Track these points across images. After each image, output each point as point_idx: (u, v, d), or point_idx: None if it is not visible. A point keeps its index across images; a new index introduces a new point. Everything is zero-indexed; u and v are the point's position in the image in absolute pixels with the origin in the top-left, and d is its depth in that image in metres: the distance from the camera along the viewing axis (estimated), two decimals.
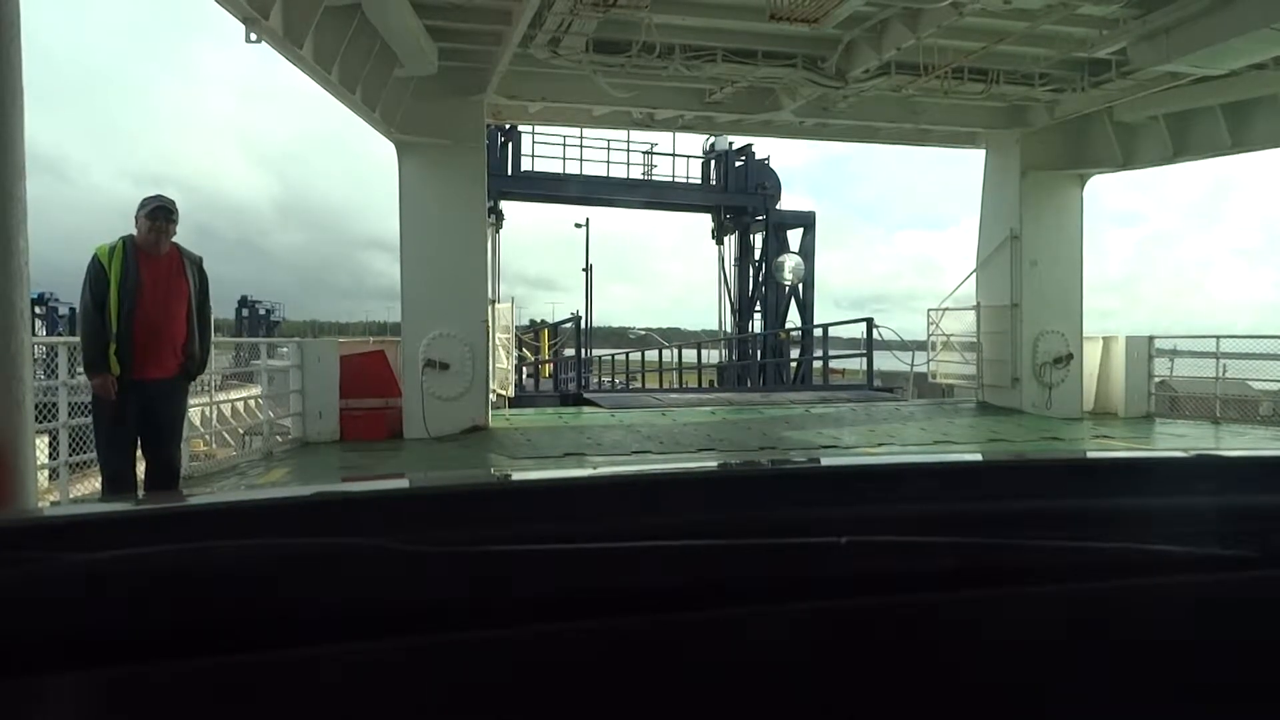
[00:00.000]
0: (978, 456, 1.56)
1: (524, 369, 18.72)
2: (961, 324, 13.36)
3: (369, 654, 0.60)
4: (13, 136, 2.40)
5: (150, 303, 4.83)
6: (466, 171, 10.34)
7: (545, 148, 21.66)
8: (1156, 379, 12.64)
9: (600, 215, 28.95)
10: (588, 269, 24.13)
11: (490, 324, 10.80)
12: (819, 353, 19.08)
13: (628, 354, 24.91)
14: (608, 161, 22.31)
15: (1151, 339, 12.56)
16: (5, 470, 2.45)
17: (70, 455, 6.60)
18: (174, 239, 4.98)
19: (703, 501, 0.76)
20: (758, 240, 23.35)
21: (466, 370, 10.08)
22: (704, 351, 23.33)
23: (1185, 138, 11.23)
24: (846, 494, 0.83)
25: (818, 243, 23.00)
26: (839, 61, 9.82)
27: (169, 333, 4.89)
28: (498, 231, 20.37)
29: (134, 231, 4.89)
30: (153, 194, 4.92)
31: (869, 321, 15.93)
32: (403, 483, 1.10)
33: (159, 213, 4.85)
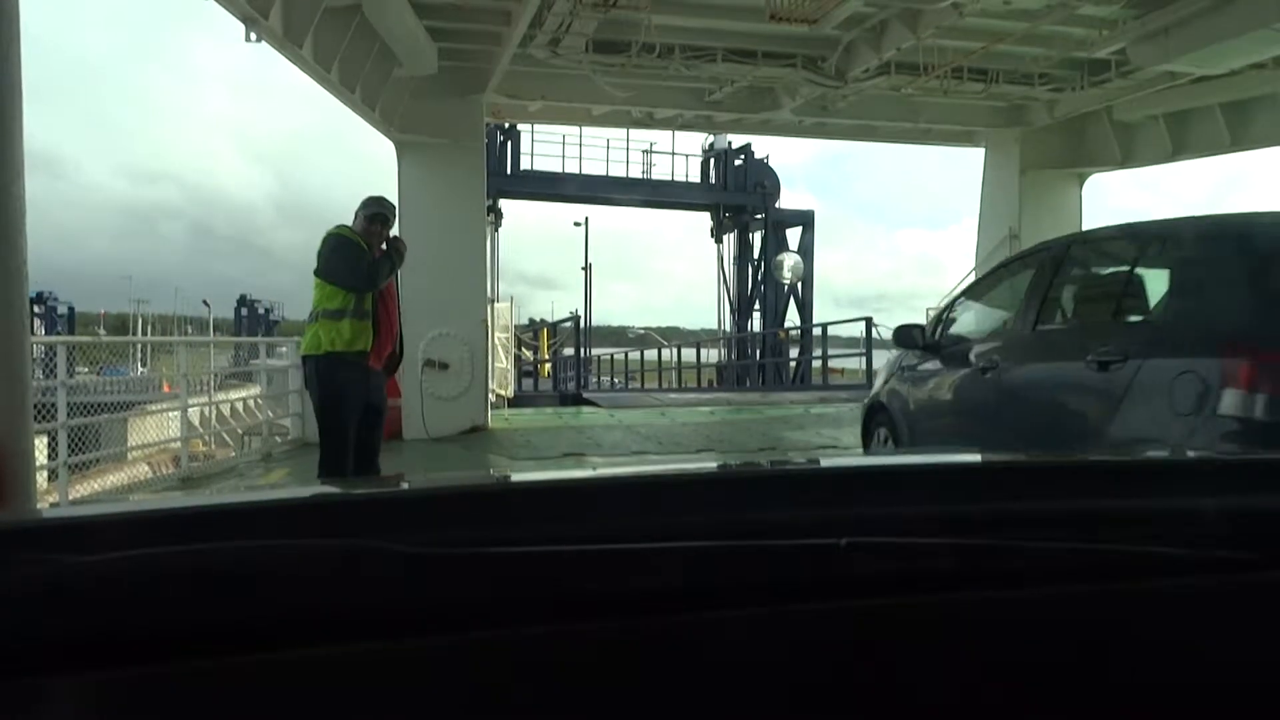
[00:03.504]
0: (978, 457, 1.56)
1: (522, 369, 18.71)
2: None
3: (369, 655, 0.60)
4: (11, 135, 2.40)
5: (385, 295, 4.96)
6: (466, 171, 10.34)
7: (544, 146, 21.75)
8: None
9: (599, 214, 28.99)
10: (587, 268, 24.19)
11: (489, 323, 10.80)
12: (818, 352, 19.08)
13: (627, 353, 24.93)
14: (607, 160, 22.37)
15: None
16: (5, 470, 2.45)
17: (70, 456, 6.61)
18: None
19: (702, 502, 0.76)
20: (757, 239, 23.39)
21: (465, 370, 10.07)
22: (703, 351, 23.32)
23: (1184, 137, 11.23)
24: (846, 495, 0.83)
25: (817, 241, 23.07)
26: (838, 61, 9.82)
27: (388, 328, 4.97)
28: (497, 230, 20.40)
29: (347, 224, 4.97)
30: (374, 196, 5.06)
31: (868, 321, 15.93)
32: (402, 483, 1.10)
33: (378, 218, 4.96)
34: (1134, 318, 3.93)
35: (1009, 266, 5.21)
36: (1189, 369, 3.35)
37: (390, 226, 5.04)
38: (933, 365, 5.13)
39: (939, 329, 5.23)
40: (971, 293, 5.45)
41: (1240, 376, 3.18)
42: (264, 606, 0.61)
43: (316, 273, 4.85)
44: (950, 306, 5.56)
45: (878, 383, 5.99)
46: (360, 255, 4.81)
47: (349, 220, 4.97)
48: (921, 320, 6.42)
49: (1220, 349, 3.31)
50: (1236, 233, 3.78)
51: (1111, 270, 4.42)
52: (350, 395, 4.76)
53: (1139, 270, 4.02)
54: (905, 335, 5.33)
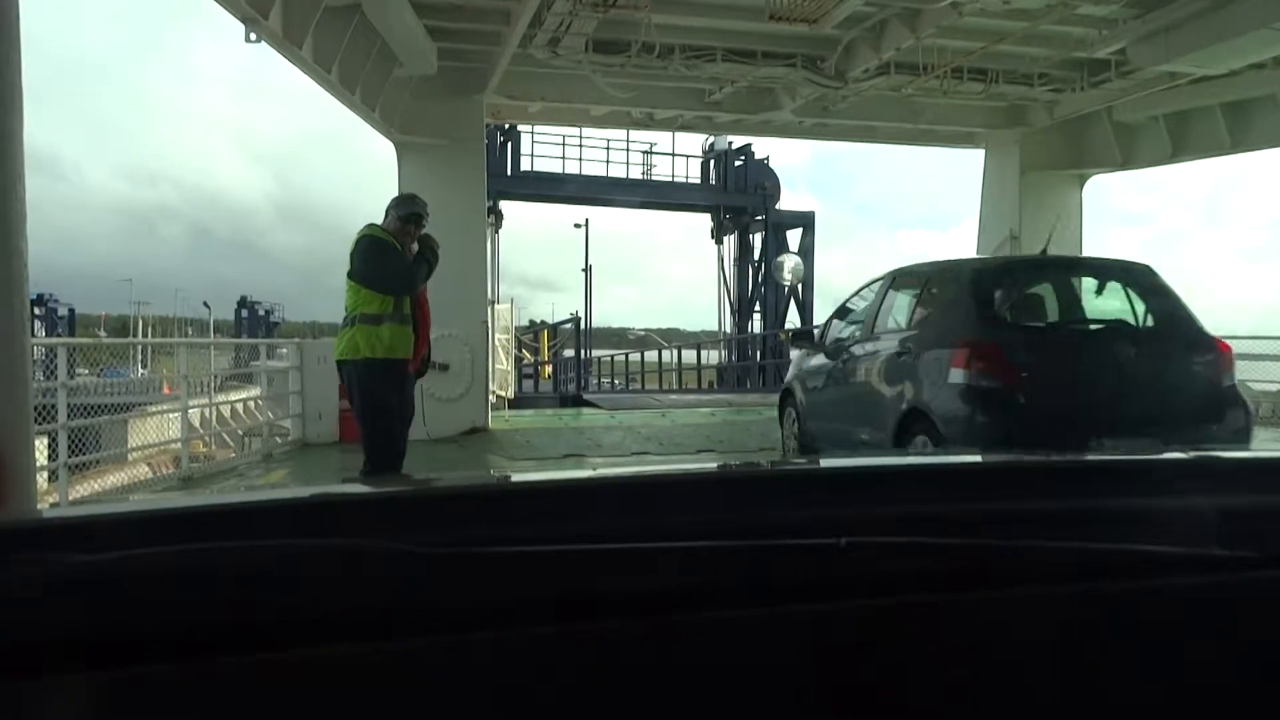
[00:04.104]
0: (978, 457, 1.56)
1: (522, 370, 18.71)
2: None
3: (369, 655, 0.60)
4: (12, 136, 2.40)
5: (418, 295, 4.92)
6: (466, 172, 10.34)
7: (545, 148, 21.67)
8: None
9: (600, 215, 29.01)
10: (587, 269, 24.18)
11: (490, 325, 10.79)
12: None
13: (627, 355, 24.92)
14: (607, 161, 22.33)
15: None
16: (5, 471, 2.45)
17: (70, 456, 6.60)
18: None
19: (702, 503, 0.76)
20: (757, 240, 23.36)
21: (466, 371, 10.07)
22: (703, 352, 23.32)
23: (1184, 138, 11.23)
24: (846, 495, 0.83)
25: (818, 242, 23.04)
26: (838, 61, 9.82)
27: (422, 330, 4.95)
28: (497, 231, 20.37)
29: (376, 223, 4.92)
30: (407, 194, 5.05)
31: None
32: (403, 483, 1.10)
33: (413, 218, 4.90)
34: (916, 322, 5.94)
35: (861, 293, 6.98)
36: (937, 350, 5.36)
37: (424, 226, 4.95)
38: (819, 360, 6.93)
39: (825, 333, 7.14)
40: (844, 309, 7.23)
41: (961, 357, 5.10)
42: (264, 606, 0.61)
43: (350, 275, 4.76)
44: (832, 318, 7.41)
45: (789, 375, 7.77)
46: (396, 258, 4.75)
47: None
48: None
49: (948, 339, 5.34)
50: (960, 271, 5.94)
51: (909, 294, 6.25)
52: (394, 400, 4.76)
53: (920, 293, 6.09)
54: (801, 338, 7.65)
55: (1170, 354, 5.38)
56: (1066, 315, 5.78)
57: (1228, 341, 5.52)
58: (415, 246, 4.92)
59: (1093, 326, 5.73)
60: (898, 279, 6.50)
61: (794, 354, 7.80)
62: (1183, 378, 5.29)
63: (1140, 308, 5.61)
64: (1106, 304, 5.73)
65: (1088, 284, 5.93)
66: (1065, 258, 6.96)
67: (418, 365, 4.98)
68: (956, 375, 5.07)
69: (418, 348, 4.89)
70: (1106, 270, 6.01)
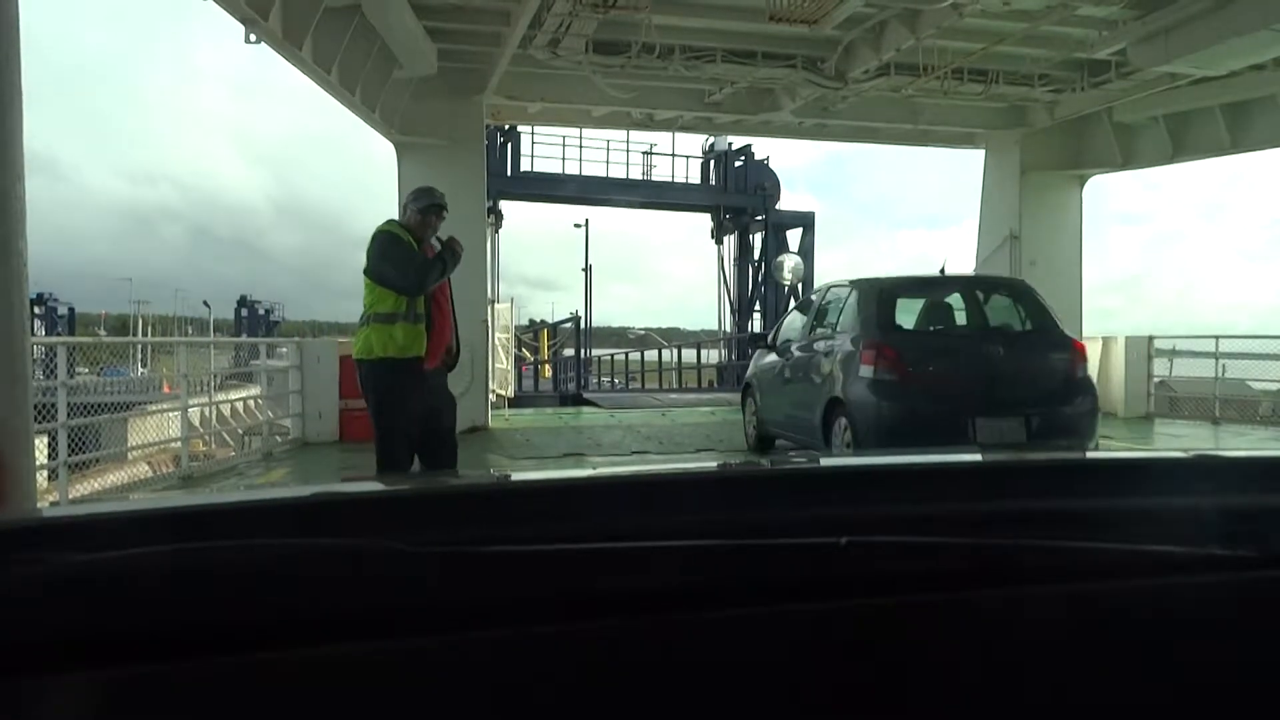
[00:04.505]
0: (978, 457, 1.56)
1: (522, 369, 18.70)
2: None
3: (369, 654, 0.60)
4: (12, 136, 2.40)
5: (438, 290, 4.78)
6: (466, 172, 10.34)
7: (545, 148, 21.68)
8: (1156, 379, 12.64)
9: (600, 215, 28.99)
10: (587, 269, 24.15)
11: (490, 324, 10.79)
12: None
13: (627, 354, 24.90)
14: (607, 161, 22.33)
15: (1151, 339, 12.56)
16: (5, 470, 2.45)
17: (70, 455, 6.60)
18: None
19: (702, 502, 0.76)
20: (757, 240, 23.36)
21: (466, 370, 10.05)
22: (703, 351, 23.33)
23: (1185, 138, 11.24)
24: (846, 494, 0.83)
25: (818, 242, 23.04)
26: (838, 62, 9.82)
27: (442, 325, 4.81)
28: (497, 231, 20.35)
29: (395, 219, 4.80)
30: (424, 186, 4.88)
31: None
32: (403, 483, 1.10)
33: (433, 209, 4.76)
34: (835, 326, 7.27)
35: (804, 302, 8.88)
36: (850, 350, 6.69)
37: (445, 217, 4.83)
38: (772, 358, 8.29)
39: (776, 335, 8.46)
40: (791, 315, 8.71)
41: (866, 354, 6.44)
42: (264, 606, 0.61)
43: (366, 273, 4.69)
44: (780, 322, 8.81)
45: (749, 371, 9.24)
46: (410, 256, 4.65)
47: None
48: None
49: (857, 340, 6.68)
50: (870, 286, 7.14)
51: (835, 305, 7.51)
52: (405, 399, 4.66)
53: (841, 303, 7.34)
54: (757, 340, 9.53)
55: (1035, 351, 6.76)
56: (952, 322, 7.14)
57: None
58: (437, 244, 4.81)
59: (973, 330, 7.08)
60: (828, 292, 7.91)
61: (755, 354, 9.28)
62: (1043, 370, 6.62)
63: (1014, 314, 7.10)
64: (988, 312, 7.20)
65: (973, 297, 7.27)
66: (957, 276, 8.06)
67: (438, 363, 4.84)
68: (865, 371, 6.42)
69: (438, 343, 4.76)
70: (989, 285, 7.66)
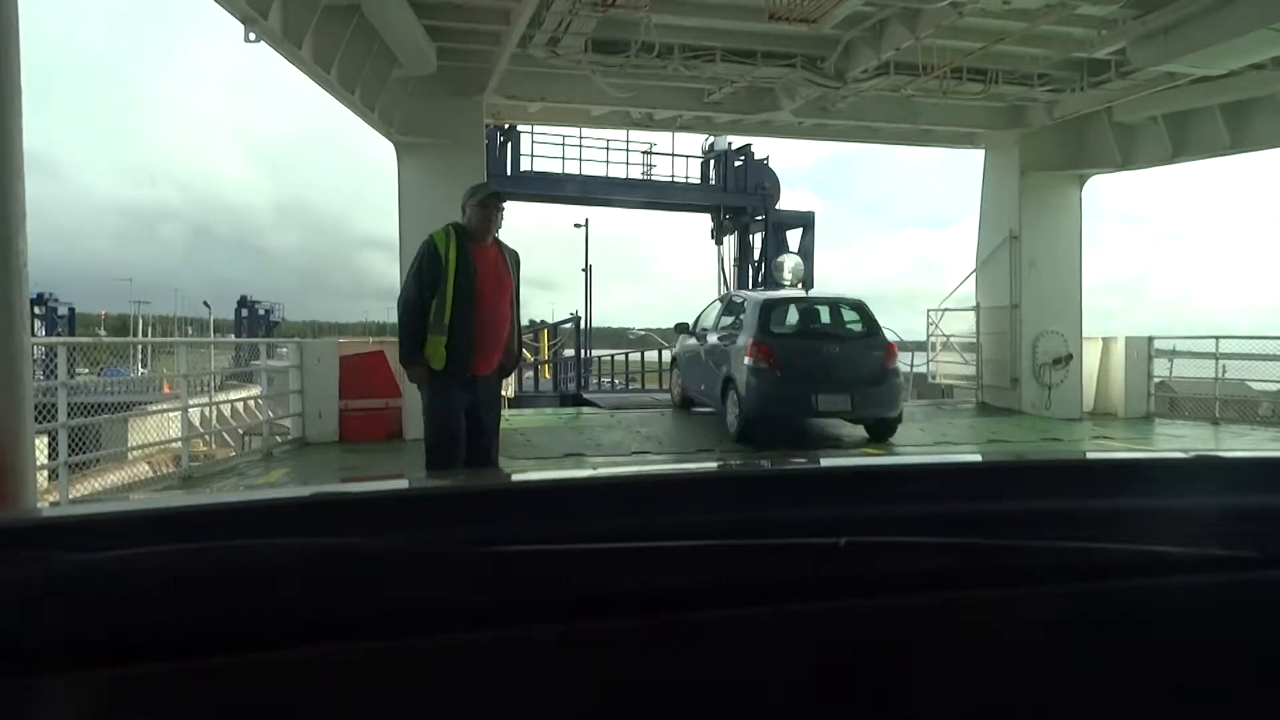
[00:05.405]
0: (977, 457, 1.56)
1: (522, 369, 18.68)
2: (961, 324, 13.38)
3: (369, 654, 0.60)
4: (12, 136, 2.40)
5: (485, 296, 4.70)
6: (466, 172, 10.29)
7: (544, 148, 21.62)
8: (1156, 380, 12.64)
9: (600, 215, 28.99)
10: (587, 269, 24.17)
11: None
12: None
13: (627, 354, 24.89)
14: (607, 161, 22.28)
15: (1151, 340, 12.56)
16: (5, 470, 2.45)
17: (70, 455, 6.60)
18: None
19: (702, 502, 0.77)
20: (757, 240, 23.34)
21: None
22: None
23: (1184, 138, 11.23)
24: (846, 495, 0.83)
25: (819, 242, 23.01)
26: (838, 61, 9.82)
27: (496, 328, 4.76)
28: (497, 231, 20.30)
29: (458, 220, 4.76)
30: (479, 181, 4.88)
31: None
32: (402, 483, 1.10)
33: (491, 200, 4.71)
34: (732, 325, 10.04)
35: (718, 300, 11.89)
36: (741, 345, 9.42)
37: (503, 208, 4.80)
38: (692, 342, 11.29)
39: (696, 325, 11.31)
40: (707, 312, 11.41)
41: (748, 350, 9.19)
42: (264, 606, 0.61)
43: None
44: (700, 315, 11.50)
45: (675, 349, 12.60)
46: (421, 270, 4.64)
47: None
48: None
49: (745, 339, 9.39)
50: (754, 299, 10.06)
51: (732, 309, 10.55)
52: (440, 409, 4.69)
53: (737, 310, 10.30)
54: (682, 327, 11.81)
55: (861, 349, 9.56)
56: (806, 327, 9.98)
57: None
58: (493, 235, 4.79)
59: (821, 333, 9.90)
60: (729, 299, 11.21)
61: (680, 337, 12.09)
62: (865, 362, 9.41)
63: (850, 322, 10.01)
64: (835, 321, 10.16)
65: (824, 309, 10.27)
66: (815, 296, 10.73)
67: (491, 370, 4.83)
68: (747, 360, 9.16)
69: (490, 351, 4.75)
70: (836, 302, 10.38)
